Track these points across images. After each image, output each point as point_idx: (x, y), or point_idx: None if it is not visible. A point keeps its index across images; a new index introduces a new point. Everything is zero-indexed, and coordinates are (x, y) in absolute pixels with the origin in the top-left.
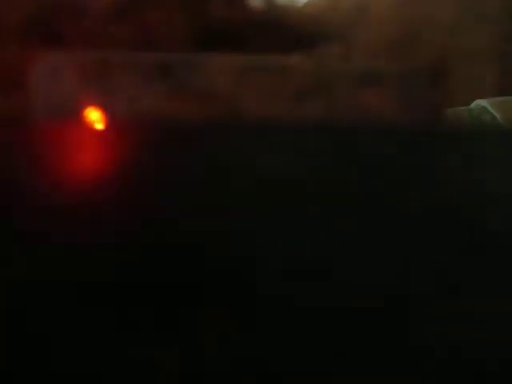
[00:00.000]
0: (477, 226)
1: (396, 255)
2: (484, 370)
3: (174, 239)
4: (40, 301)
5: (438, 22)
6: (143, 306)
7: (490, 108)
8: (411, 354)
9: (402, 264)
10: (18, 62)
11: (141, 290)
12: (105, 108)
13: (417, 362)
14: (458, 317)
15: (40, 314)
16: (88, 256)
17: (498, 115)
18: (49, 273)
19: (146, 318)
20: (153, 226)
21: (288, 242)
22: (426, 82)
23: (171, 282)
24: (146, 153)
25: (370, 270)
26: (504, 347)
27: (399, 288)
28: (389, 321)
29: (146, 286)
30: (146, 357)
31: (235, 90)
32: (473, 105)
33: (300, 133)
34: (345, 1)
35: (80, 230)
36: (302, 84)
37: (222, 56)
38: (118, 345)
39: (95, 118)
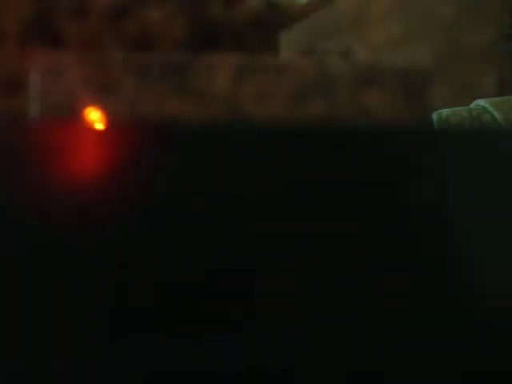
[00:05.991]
0: (476, 225)
1: (395, 255)
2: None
3: (174, 239)
4: (39, 299)
5: (438, 22)
6: (143, 306)
7: (490, 108)
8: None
9: (401, 263)
10: (18, 63)
11: (140, 290)
12: (105, 108)
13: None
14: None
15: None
16: (87, 256)
17: (497, 115)
18: (47, 274)
19: (146, 319)
20: (152, 226)
21: (287, 247)
22: (425, 81)
23: (171, 282)
24: (145, 153)
25: (367, 268)
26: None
27: (394, 289)
28: (389, 326)
29: (145, 286)
30: (146, 357)
31: (235, 90)
32: (473, 105)
33: (300, 133)
34: (345, 1)
35: (79, 230)
36: (302, 84)
37: (222, 56)
38: (118, 345)
39: (95, 117)
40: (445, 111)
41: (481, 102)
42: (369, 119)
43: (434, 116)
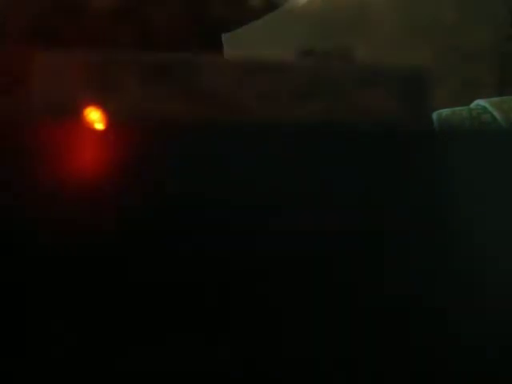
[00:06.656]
0: (476, 226)
1: (396, 255)
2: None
3: (173, 238)
4: (39, 297)
5: (438, 22)
6: (141, 306)
7: (490, 108)
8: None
9: (402, 263)
10: (18, 62)
11: (139, 289)
12: (105, 108)
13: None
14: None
15: (39, 308)
16: (87, 256)
17: (497, 115)
18: (47, 274)
19: (143, 318)
20: (152, 226)
21: (287, 247)
22: (425, 82)
23: (170, 282)
24: (145, 153)
25: (369, 271)
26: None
27: (397, 288)
28: (389, 324)
29: (144, 286)
30: (144, 357)
31: (235, 90)
32: (473, 105)
33: (300, 134)
34: (345, 1)
35: (79, 230)
36: (302, 84)
37: (222, 56)
38: (117, 344)
39: (95, 118)
40: (445, 111)
41: (481, 102)
42: (369, 119)
43: (434, 116)
